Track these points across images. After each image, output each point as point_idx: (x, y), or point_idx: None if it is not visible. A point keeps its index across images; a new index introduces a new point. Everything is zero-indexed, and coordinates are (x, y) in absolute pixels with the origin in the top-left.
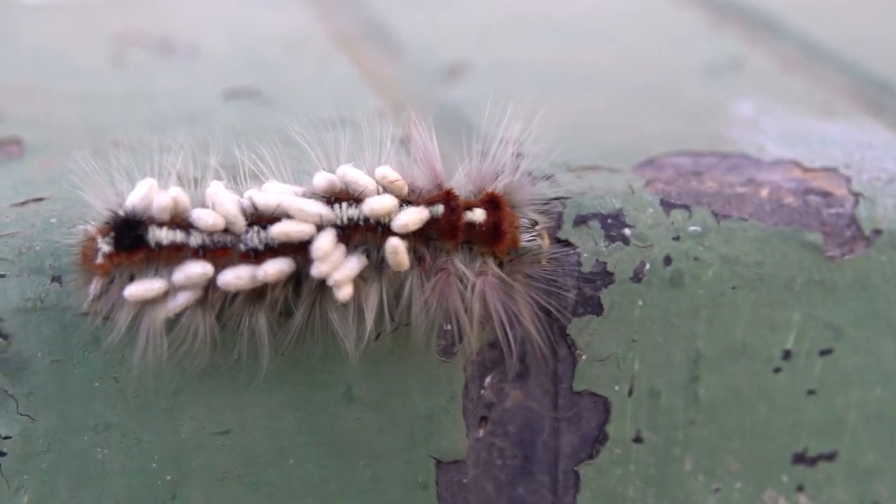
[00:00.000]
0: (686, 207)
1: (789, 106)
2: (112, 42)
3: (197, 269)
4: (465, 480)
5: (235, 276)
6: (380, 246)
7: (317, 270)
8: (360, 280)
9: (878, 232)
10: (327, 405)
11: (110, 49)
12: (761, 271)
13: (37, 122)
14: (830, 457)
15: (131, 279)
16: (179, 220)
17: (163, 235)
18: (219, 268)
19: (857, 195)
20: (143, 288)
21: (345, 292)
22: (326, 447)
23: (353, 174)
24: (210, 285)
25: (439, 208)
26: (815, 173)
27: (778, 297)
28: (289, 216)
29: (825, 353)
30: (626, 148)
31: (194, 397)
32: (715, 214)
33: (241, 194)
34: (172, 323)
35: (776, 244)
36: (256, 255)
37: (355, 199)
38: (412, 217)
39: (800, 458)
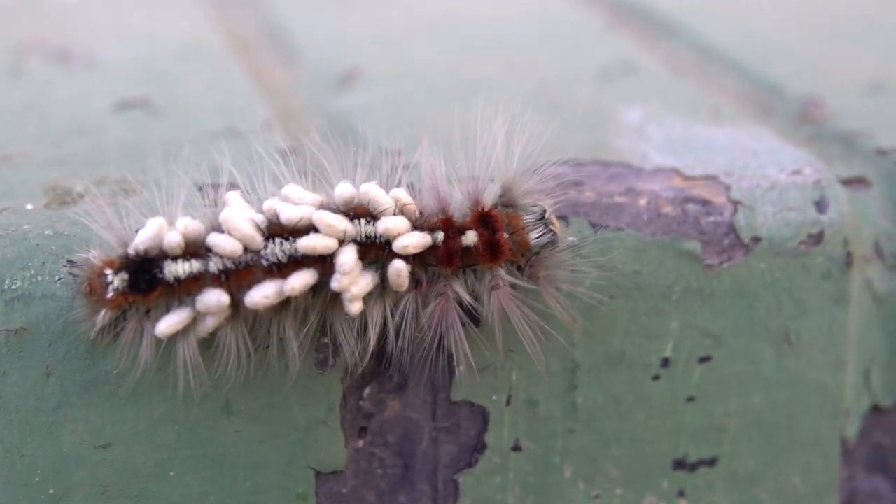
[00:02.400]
0: (563, 218)
1: (678, 112)
2: (11, 51)
3: (213, 299)
4: (344, 491)
5: (262, 296)
6: (385, 265)
7: (338, 284)
8: (367, 296)
9: (756, 240)
10: (206, 418)
11: (9, 58)
12: (638, 280)
13: None
14: (710, 463)
15: (147, 312)
16: (194, 249)
17: (179, 269)
18: (243, 287)
19: (736, 203)
20: (171, 323)
21: (357, 307)
22: (206, 460)
23: (375, 192)
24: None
25: (439, 235)
26: (694, 181)
27: (655, 306)
28: (314, 229)
29: (704, 360)
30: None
31: (74, 412)
32: (592, 224)
33: (258, 205)
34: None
35: (653, 253)
36: (279, 268)
37: (372, 216)
38: (414, 240)
39: (680, 465)
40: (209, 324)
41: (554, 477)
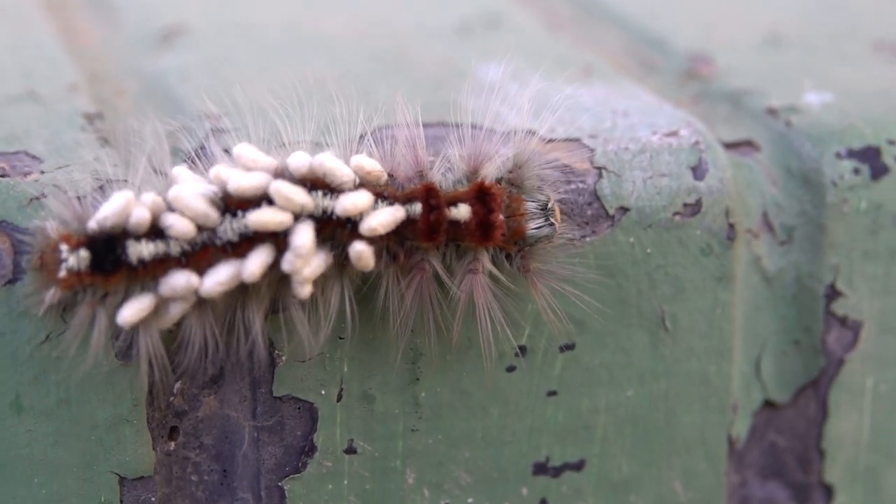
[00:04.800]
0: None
1: (545, 70)
2: None
3: (181, 281)
4: (154, 499)
5: (216, 283)
6: (346, 243)
7: (290, 265)
8: (320, 276)
9: (624, 210)
10: None
11: None
12: None
13: None
14: (577, 466)
15: (104, 297)
16: (155, 228)
17: (144, 250)
18: (203, 269)
19: (600, 168)
20: (136, 310)
21: (307, 290)
22: None
23: (331, 164)
24: None
25: (417, 207)
26: (553, 145)
27: (508, 287)
28: (267, 200)
29: (566, 349)
30: (348, 121)
31: None
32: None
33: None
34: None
35: None
36: (234, 247)
37: (331, 188)
38: (383, 220)
39: (541, 469)
40: (174, 312)
41: (395, 483)
